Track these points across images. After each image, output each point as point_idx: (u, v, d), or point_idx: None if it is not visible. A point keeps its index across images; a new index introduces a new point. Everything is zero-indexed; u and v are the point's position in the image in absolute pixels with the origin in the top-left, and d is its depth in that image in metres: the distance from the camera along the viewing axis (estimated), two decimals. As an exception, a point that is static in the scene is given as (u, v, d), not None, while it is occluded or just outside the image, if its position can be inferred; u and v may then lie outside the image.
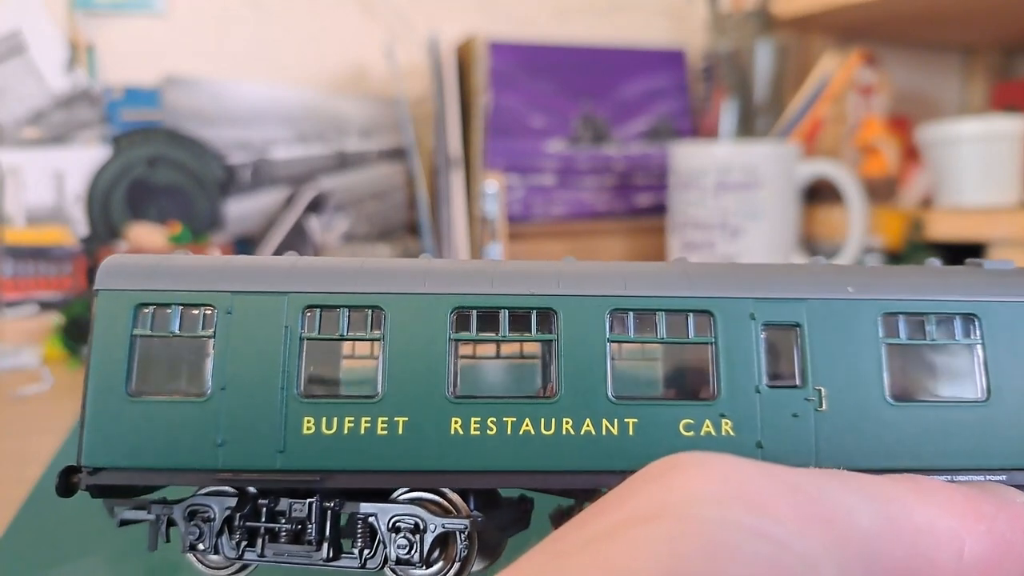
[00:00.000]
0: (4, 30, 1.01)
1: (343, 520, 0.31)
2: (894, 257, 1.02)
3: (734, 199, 0.98)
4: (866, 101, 1.13)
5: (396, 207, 1.15)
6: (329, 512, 0.30)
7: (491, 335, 0.30)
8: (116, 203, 1.03)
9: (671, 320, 0.30)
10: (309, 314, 0.30)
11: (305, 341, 0.30)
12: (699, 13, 1.21)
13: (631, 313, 0.30)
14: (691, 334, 0.29)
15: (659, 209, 1.14)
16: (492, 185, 1.01)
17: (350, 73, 1.16)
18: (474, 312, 0.30)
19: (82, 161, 1.02)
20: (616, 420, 0.29)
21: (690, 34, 1.26)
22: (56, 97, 1.02)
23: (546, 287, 0.30)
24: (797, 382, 0.29)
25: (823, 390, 0.29)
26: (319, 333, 0.30)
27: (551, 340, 0.29)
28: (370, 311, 0.30)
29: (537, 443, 0.29)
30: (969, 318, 0.30)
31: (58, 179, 1.02)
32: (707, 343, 0.29)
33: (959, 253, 0.97)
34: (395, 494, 0.30)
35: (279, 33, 1.13)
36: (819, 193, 1.08)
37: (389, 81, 1.11)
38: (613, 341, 0.29)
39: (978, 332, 0.30)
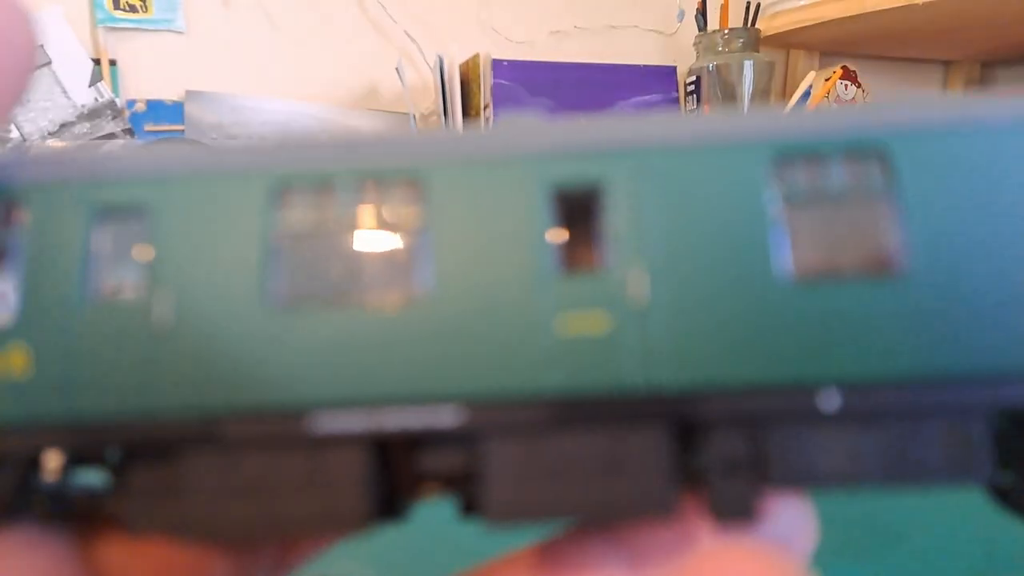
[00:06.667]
0: (32, 47, 1.04)
1: None
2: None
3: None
4: (847, 115, 1.18)
5: (403, 214, 1.20)
6: None
7: None
8: (140, 212, 1.07)
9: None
10: None
11: None
12: (689, 31, 1.26)
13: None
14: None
15: (652, 217, 1.19)
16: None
17: (363, 90, 1.21)
18: None
19: (108, 172, 1.07)
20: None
21: (680, 52, 1.31)
22: (79, 109, 1.05)
23: None
24: None
25: None
26: None
27: None
28: None
29: None
30: None
31: (85, 190, 1.06)
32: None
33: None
34: None
35: (295, 52, 1.17)
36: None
37: (399, 97, 1.16)
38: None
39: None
